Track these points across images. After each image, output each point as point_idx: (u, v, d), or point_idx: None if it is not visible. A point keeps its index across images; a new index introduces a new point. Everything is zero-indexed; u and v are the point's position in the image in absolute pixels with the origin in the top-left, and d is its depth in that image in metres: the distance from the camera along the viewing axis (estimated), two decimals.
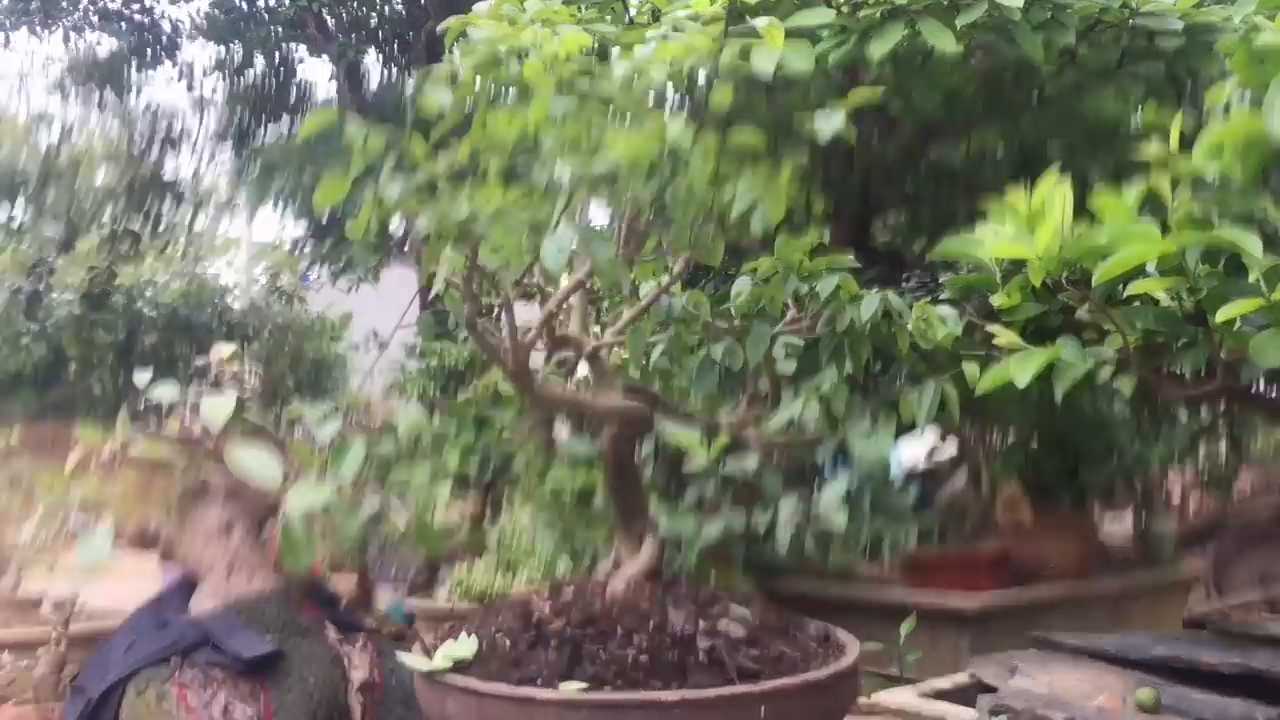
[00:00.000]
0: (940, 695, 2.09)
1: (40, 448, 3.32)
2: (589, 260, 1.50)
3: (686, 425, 1.81)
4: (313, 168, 7.28)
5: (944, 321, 1.85)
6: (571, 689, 1.22)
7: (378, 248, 7.71)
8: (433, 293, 1.35)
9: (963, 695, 2.13)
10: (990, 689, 2.14)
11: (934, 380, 1.89)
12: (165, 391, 1.77)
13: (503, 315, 1.43)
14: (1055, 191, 1.79)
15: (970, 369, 1.85)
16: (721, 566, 2.72)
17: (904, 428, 3.19)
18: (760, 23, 1.38)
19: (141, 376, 1.84)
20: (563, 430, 3.38)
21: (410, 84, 8.00)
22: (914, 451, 3.53)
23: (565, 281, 1.59)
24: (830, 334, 1.61)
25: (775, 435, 1.82)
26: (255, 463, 1.33)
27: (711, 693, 1.24)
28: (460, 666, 1.31)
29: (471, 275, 1.35)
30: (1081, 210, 1.80)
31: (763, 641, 1.37)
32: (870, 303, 1.65)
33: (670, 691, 1.23)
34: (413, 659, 1.36)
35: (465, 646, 1.34)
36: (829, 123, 1.37)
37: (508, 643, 1.37)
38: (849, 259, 1.71)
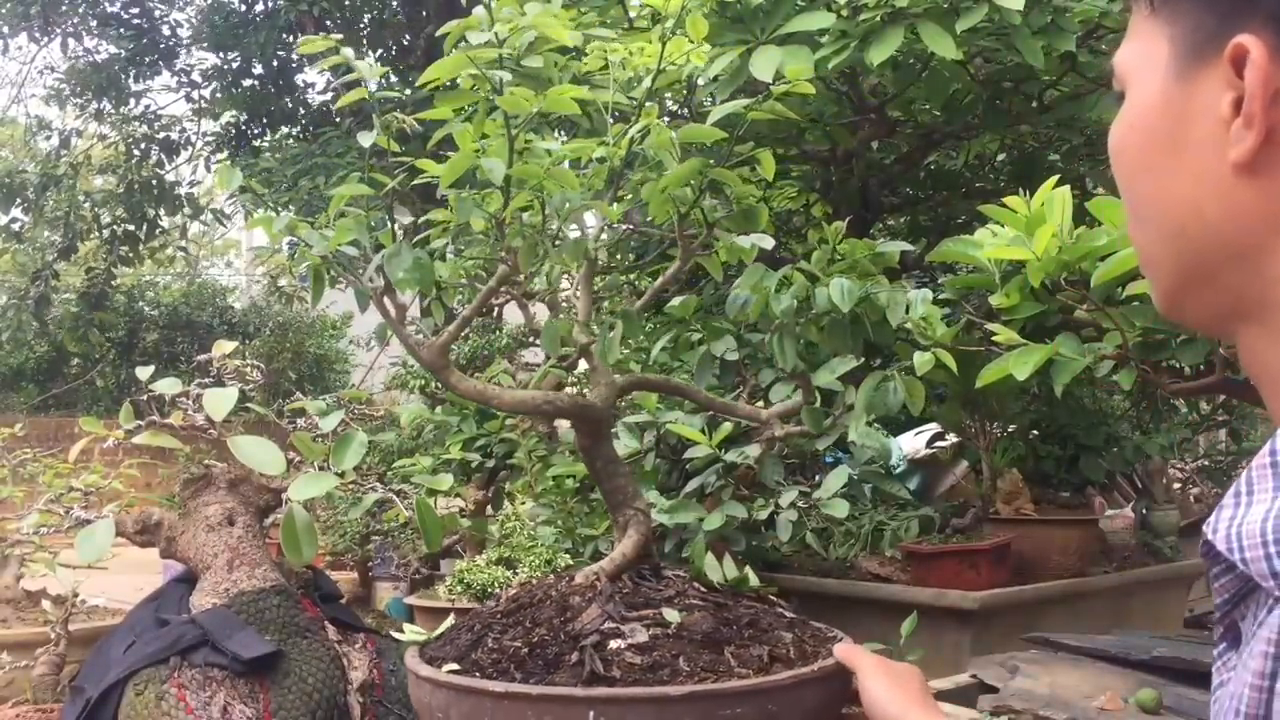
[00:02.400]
0: (940, 695, 2.09)
1: (43, 441, 3.33)
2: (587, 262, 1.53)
3: (690, 416, 1.82)
4: (309, 175, 7.29)
5: (937, 321, 1.87)
6: (440, 672, 1.29)
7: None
8: (427, 300, 1.43)
9: (963, 695, 2.13)
10: (991, 689, 2.14)
11: (896, 372, 1.90)
12: (167, 385, 1.78)
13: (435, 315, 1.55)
14: (1055, 195, 1.81)
15: (922, 359, 1.84)
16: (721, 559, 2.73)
17: (905, 423, 3.19)
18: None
19: (143, 372, 1.85)
20: (563, 421, 3.39)
21: (410, 90, 8.01)
22: (914, 441, 3.55)
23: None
24: (833, 321, 1.62)
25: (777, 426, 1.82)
26: (258, 452, 1.33)
27: (535, 689, 1.23)
28: (422, 644, 1.44)
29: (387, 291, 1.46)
30: (1080, 214, 1.81)
31: (688, 652, 1.32)
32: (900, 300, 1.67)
33: (499, 683, 1.27)
34: (402, 635, 1.47)
35: (437, 628, 1.46)
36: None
37: (464, 629, 1.44)
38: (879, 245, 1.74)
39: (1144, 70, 0.63)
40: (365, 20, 9.33)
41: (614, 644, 1.29)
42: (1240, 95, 0.55)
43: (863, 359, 1.90)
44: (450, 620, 1.45)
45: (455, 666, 1.30)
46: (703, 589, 1.51)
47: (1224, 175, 0.57)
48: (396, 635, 1.46)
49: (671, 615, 1.35)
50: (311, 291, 1.50)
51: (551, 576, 1.55)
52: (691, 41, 1.47)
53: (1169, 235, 0.61)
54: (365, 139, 1.34)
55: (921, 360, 1.80)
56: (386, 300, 1.47)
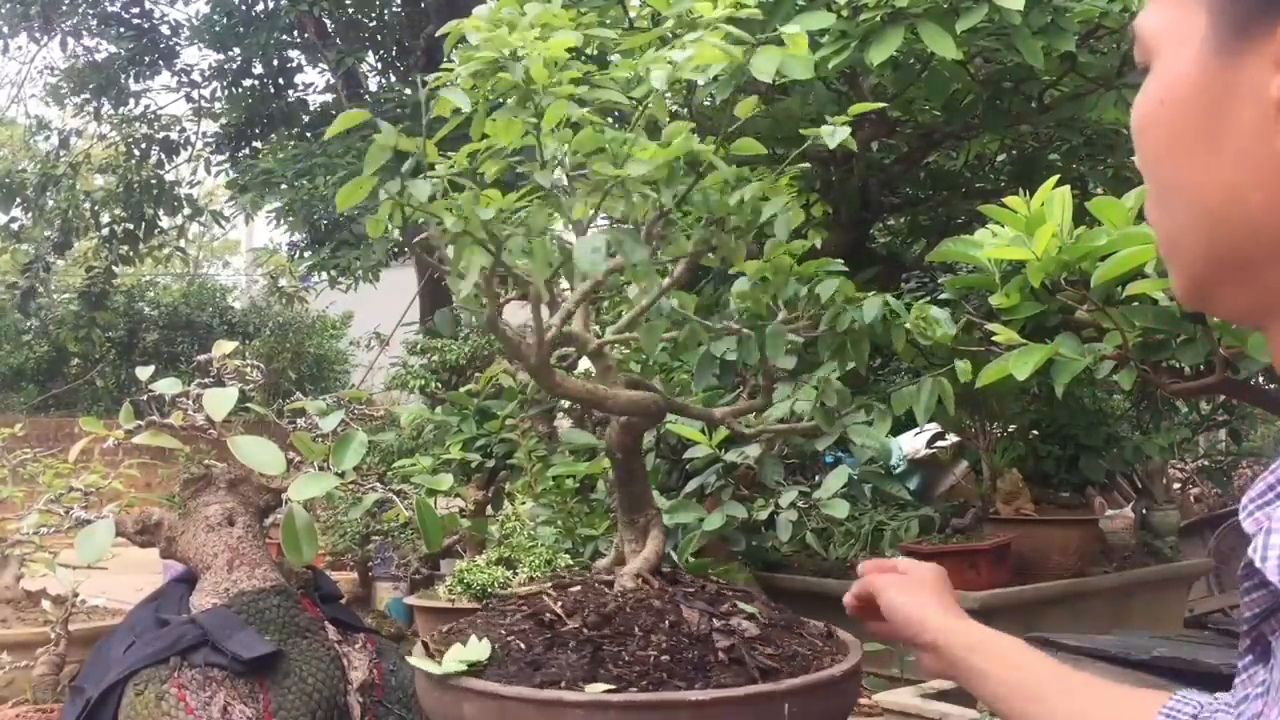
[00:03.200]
0: (941, 695, 2.10)
1: (43, 441, 3.33)
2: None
3: (696, 417, 1.81)
4: (309, 176, 7.29)
5: (940, 322, 1.87)
6: (598, 690, 1.20)
7: (388, 247, 7.73)
8: (461, 294, 1.31)
9: (963, 695, 2.13)
10: None
11: (931, 377, 1.91)
12: (167, 385, 1.78)
13: (532, 313, 1.41)
14: (1055, 195, 1.81)
15: (963, 366, 1.86)
16: (721, 559, 2.73)
17: (904, 423, 3.20)
18: (790, 29, 1.39)
19: (143, 372, 1.85)
20: (564, 422, 3.39)
21: (409, 90, 8.00)
22: (914, 441, 3.55)
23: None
24: (830, 333, 1.62)
25: (774, 425, 1.82)
26: (258, 452, 1.33)
27: (739, 691, 1.23)
28: (475, 670, 1.26)
29: (492, 276, 1.33)
30: (1080, 214, 1.81)
31: (775, 639, 1.37)
32: (872, 306, 1.66)
33: (698, 691, 1.22)
34: (421, 662, 1.30)
35: (478, 649, 1.28)
36: (834, 137, 1.38)
37: (522, 645, 1.32)
38: (839, 263, 1.73)
39: (1176, 42, 0.57)
40: (365, 21, 9.33)
41: (726, 641, 1.32)
42: None
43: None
44: (482, 643, 1.30)
45: (607, 686, 1.22)
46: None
47: (1270, 163, 0.53)
48: (419, 664, 1.30)
49: (749, 608, 1.39)
50: (452, 276, 1.29)
51: (579, 584, 1.46)
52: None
53: (1199, 222, 0.57)
54: (421, 190, 1.26)
55: (963, 368, 1.81)
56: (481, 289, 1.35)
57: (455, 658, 1.27)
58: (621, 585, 1.39)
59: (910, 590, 1.10)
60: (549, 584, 1.48)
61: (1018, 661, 0.97)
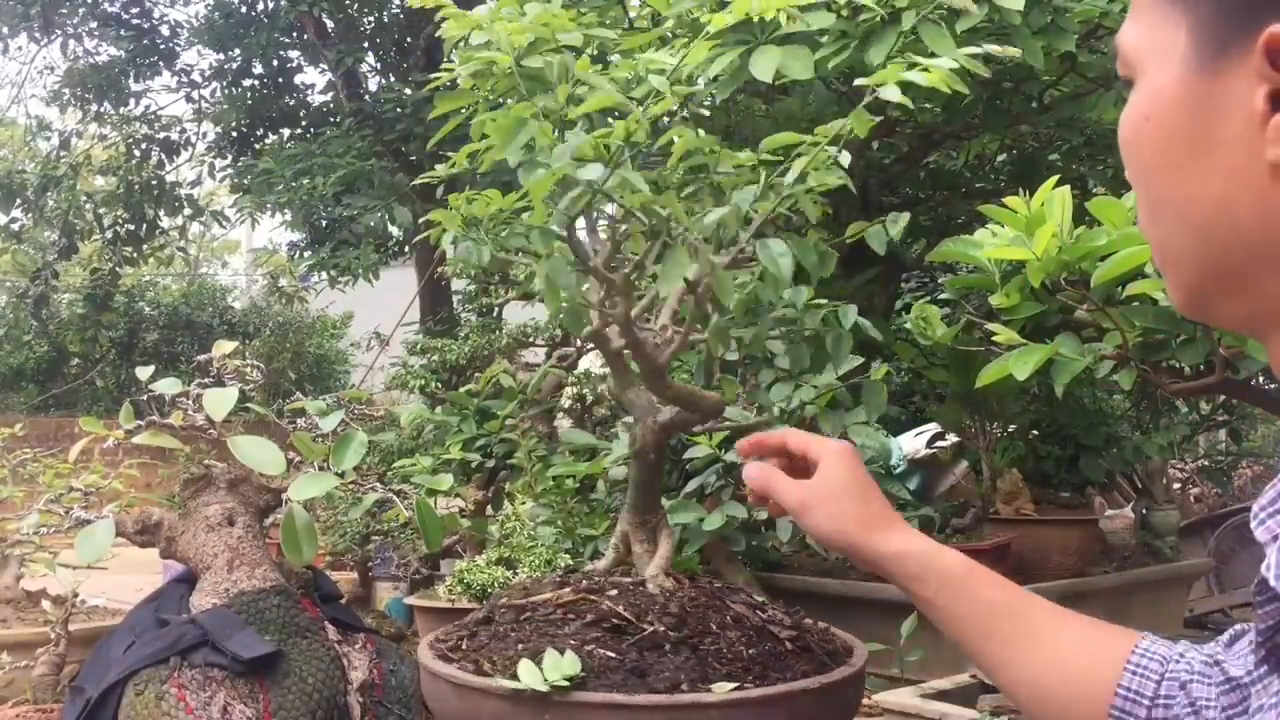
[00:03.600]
0: (941, 696, 2.10)
1: (43, 441, 3.33)
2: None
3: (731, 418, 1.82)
4: (308, 176, 7.29)
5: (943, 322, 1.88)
6: (725, 690, 1.19)
7: (379, 249, 7.72)
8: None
9: (963, 695, 2.13)
10: (991, 689, 2.15)
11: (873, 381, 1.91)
12: (167, 385, 1.78)
13: (650, 319, 1.44)
14: (1055, 195, 1.81)
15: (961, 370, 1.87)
16: (721, 559, 2.73)
17: (905, 423, 3.19)
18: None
19: (143, 372, 1.85)
20: (564, 422, 3.40)
21: (409, 90, 8.00)
22: (914, 441, 3.55)
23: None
24: (798, 335, 1.62)
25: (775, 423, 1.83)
26: (258, 452, 1.33)
27: (837, 675, 1.28)
28: (577, 683, 1.20)
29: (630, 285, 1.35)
30: (1080, 214, 1.81)
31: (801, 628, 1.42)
32: (849, 313, 1.66)
33: (812, 679, 1.26)
34: (513, 682, 1.18)
35: (568, 662, 1.21)
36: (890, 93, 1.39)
37: (610, 653, 1.27)
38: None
39: (1157, 57, 0.58)
40: (366, 21, 9.33)
41: (787, 632, 1.35)
42: (1277, 89, 0.51)
43: (862, 359, 1.90)
44: (568, 656, 1.20)
45: (730, 685, 1.21)
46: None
47: (1259, 175, 0.53)
48: (524, 683, 1.17)
49: (760, 598, 1.44)
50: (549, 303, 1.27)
51: (614, 587, 1.40)
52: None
53: (1192, 234, 0.57)
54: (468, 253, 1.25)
55: (981, 371, 1.81)
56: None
57: (550, 672, 1.18)
58: (661, 585, 1.39)
59: (823, 504, 0.99)
60: (566, 588, 1.44)
61: (969, 595, 0.91)
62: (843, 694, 1.29)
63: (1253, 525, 0.55)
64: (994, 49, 1.36)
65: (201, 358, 2.04)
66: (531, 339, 3.89)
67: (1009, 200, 1.85)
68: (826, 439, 1.05)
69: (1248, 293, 0.57)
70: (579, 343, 3.50)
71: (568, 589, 1.41)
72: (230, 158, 9.64)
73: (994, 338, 1.89)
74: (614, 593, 1.39)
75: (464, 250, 1.32)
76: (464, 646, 1.36)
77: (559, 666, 1.19)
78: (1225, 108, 0.54)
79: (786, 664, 1.30)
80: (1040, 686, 0.85)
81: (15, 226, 10.73)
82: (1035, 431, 3.58)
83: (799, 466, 1.06)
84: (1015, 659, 0.87)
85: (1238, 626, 0.81)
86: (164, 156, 10.32)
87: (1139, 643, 0.85)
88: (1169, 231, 0.59)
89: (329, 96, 9.46)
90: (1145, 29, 0.59)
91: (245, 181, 8.10)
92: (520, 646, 1.29)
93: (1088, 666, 0.84)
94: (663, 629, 1.30)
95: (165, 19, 10.04)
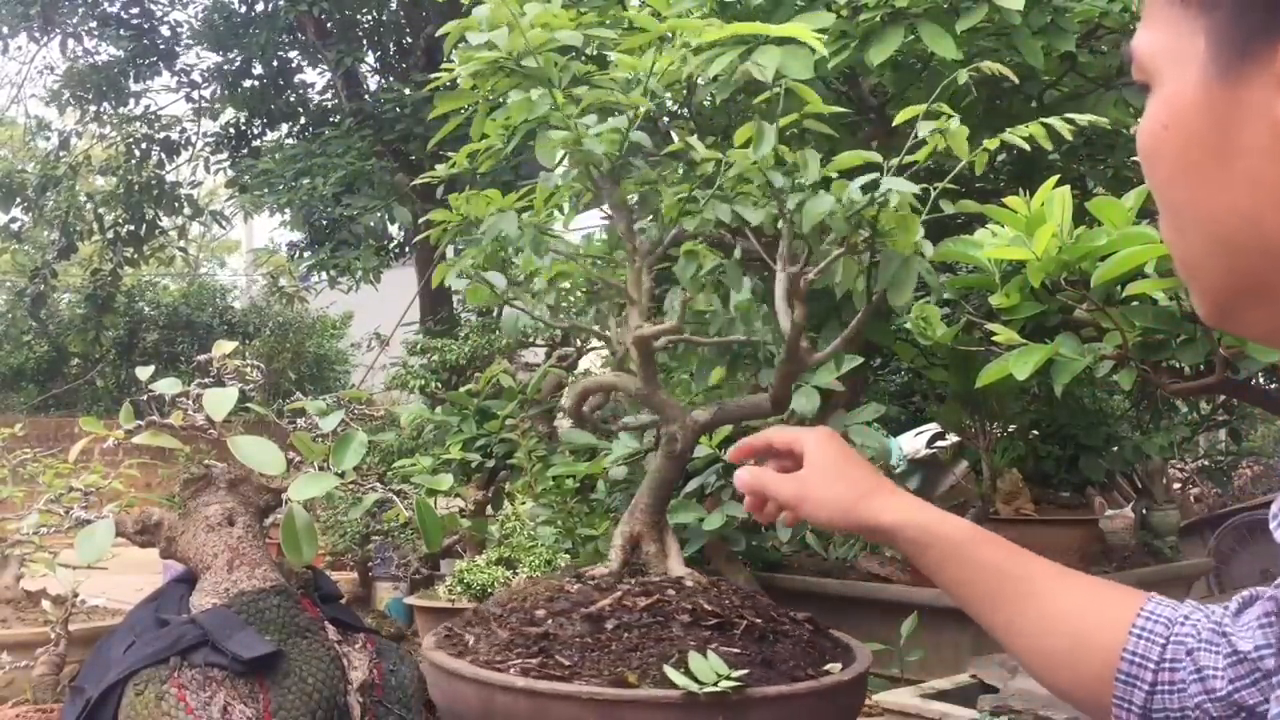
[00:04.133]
0: (941, 695, 2.10)
1: (43, 441, 3.33)
2: None
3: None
4: (308, 176, 7.29)
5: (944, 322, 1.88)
6: (837, 669, 1.30)
7: (379, 251, 7.72)
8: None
9: (963, 695, 2.13)
10: (991, 689, 2.14)
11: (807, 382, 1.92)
12: (167, 385, 1.77)
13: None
14: (1055, 195, 1.81)
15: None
16: (721, 559, 2.73)
17: (905, 423, 3.18)
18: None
19: (143, 372, 1.85)
20: (564, 422, 3.39)
21: (409, 90, 8.00)
22: (914, 441, 3.55)
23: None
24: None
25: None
26: (258, 452, 1.33)
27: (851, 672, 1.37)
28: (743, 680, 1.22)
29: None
30: (1080, 214, 1.81)
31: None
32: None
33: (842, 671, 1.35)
34: (677, 686, 1.18)
35: (712, 664, 1.22)
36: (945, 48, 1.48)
37: (730, 648, 1.30)
38: None
39: (1175, 63, 0.56)
40: (365, 21, 9.33)
41: (804, 615, 1.47)
42: None
43: (863, 358, 1.91)
44: (710, 657, 1.22)
45: (836, 664, 1.36)
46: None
47: None
48: (684, 681, 1.18)
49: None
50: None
51: (640, 588, 1.40)
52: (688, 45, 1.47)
53: (1217, 245, 0.56)
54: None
55: (981, 371, 1.83)
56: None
57: (706, 672, 1.19)
58: (697, 580, 1.42)
59: (816, 490, 0.99)
60: (614, 592, 1.43)
61: (972, 560, 0.91)
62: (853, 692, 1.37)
63: (1271, 526, 0.54)
64: (989, 66, 1.40)
65: (201, 358, 2.04)
66: (531, 339, 3.89)
67: (1009, 200, 1.85)
68: (806, 429, 1.05)
69: (1275, 303, 0.56)
70: (579, 342, 3.49)
71: (632, 592, 1.39)
72: (228, 153, 9.64)
73: (994, 338, 1.89)
74: (672, 591, 1.39)
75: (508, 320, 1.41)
76: (547, 664, 1.30)
77: (708, 668, 1.20)
78: (1245, 114, 0.52)
79: (818, 649, 1.39)
80: (1047, 647, 0.85)
81: (15, 226, 10.72)
82: (1035, 431, 3.58)
83: (790, 463, 1.06)
84: (1022, 621, 0.87)
85: (1246, 593, 0.79)
86: (164, 156, 10.32)
87: (1144, 605, 0.84)
88: (1192, 242, 0.58)
89: (329, 96, 9.46)
90: (1161, 34, 0.57)
91: (244, 180, 8.10)
92: (636, 654, 1.27)
93: (1094, 628, 0.84)
94: (759, 621, 1.35)
95: (165, 19, 10.04)
